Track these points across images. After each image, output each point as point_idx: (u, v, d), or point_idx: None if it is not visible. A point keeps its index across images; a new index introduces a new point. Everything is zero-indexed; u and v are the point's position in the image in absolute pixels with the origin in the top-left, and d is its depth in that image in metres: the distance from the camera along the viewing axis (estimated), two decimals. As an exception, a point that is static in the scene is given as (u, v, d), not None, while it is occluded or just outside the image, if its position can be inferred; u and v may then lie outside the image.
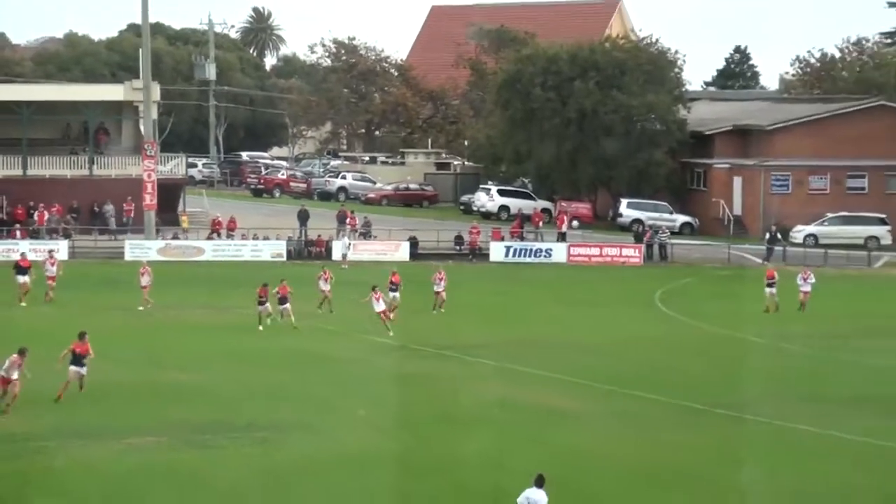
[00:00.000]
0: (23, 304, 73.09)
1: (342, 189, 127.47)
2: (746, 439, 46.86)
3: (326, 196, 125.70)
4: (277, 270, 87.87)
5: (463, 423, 48.65)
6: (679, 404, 51.76)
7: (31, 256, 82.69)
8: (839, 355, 63.27)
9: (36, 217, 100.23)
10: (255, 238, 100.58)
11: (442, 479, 40.45)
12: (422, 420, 48.91)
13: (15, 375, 45.50)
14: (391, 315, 67.22)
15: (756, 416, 50.46)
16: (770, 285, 74.13)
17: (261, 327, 66.18)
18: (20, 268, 75.53)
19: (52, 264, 77.38)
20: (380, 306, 67.59)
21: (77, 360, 47.33)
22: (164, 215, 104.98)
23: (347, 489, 39.75)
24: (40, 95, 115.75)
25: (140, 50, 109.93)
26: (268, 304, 67.14)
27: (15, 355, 45.70)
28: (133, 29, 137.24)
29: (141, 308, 72.88)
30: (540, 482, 31.39)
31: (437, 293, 73.00)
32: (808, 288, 74.44)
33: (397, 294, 70.74)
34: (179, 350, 61.94)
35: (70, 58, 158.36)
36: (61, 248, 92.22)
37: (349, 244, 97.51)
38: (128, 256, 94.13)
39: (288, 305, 68.33)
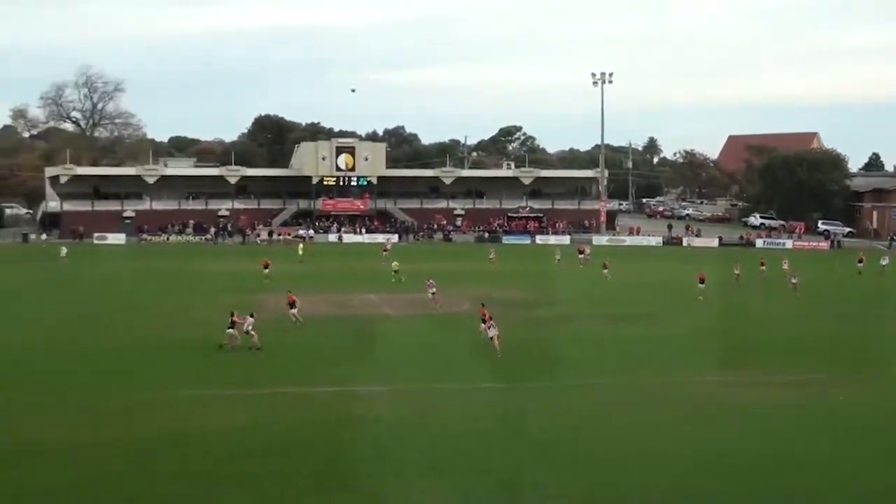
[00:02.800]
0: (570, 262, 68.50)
1: (688, 214, 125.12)
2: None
3: (680, 217, 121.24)
4: (658, 250, 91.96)
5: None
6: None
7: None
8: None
9: (558, 226, 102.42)
10: (647, 235, 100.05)
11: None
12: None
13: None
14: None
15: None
16: (860, 262, 68.52)
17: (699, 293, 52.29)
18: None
19: (582, 252, 72.01)
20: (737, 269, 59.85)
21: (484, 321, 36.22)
22: (608, 224, 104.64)
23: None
24: (562, 175, 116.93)
25: (600, 157, 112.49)
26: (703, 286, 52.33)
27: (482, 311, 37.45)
28: (596, 147, 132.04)
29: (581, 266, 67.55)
30: None
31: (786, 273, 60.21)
32: (886, 262, 70.20)
33: (765, 267, 62.61)
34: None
35: (573, 159, 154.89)
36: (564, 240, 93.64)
37: (690, 238, 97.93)
38: (594, 243, 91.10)
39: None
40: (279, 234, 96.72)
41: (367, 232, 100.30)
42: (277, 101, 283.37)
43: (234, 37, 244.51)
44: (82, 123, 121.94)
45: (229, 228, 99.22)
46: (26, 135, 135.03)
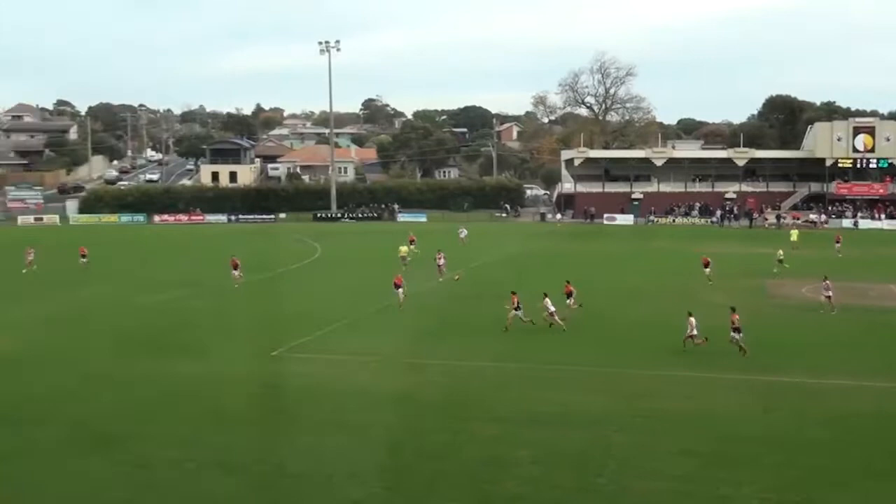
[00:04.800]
0: None
1: None
2: None
3: None
4: None
5: None
6: None
7: None
8: None
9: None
10: None
11: None
12: None
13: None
14: None
15: None
16: None
17: None
18: None
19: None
20: None
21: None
22: None
23: None
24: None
25: None
26: None
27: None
28: None
29: None
30: None
31: None
32: None
33: None
34: None
35: None
36: None
37: None
38: None
39: None
40: (787, 218, 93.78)
41: (886, 218, 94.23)
42: (790, 80, 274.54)
43: (744, 17, 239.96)
44: (595, 108, 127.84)
45: (735, 211, 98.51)
46: (545, 120, 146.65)
